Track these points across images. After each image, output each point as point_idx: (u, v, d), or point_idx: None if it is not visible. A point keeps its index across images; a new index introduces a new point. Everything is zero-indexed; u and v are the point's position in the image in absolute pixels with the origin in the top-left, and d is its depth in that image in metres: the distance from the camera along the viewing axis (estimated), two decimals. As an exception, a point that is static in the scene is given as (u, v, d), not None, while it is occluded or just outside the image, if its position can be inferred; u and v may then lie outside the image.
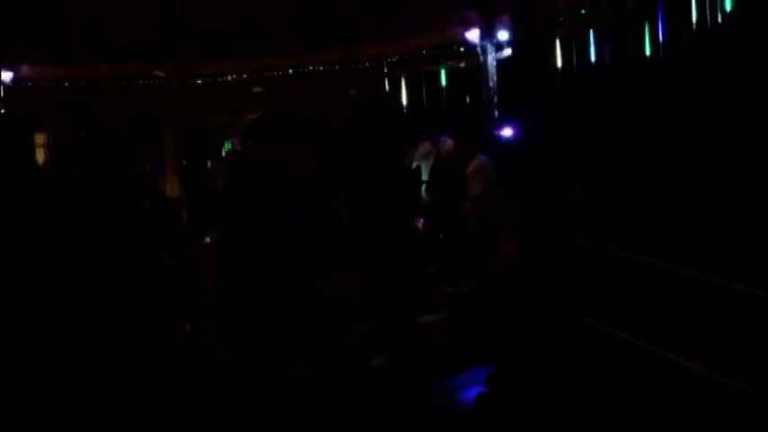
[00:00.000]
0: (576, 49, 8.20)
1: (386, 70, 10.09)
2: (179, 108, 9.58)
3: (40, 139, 9.13)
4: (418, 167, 8.06)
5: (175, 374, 4.86)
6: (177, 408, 4.38)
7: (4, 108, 8.24)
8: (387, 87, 10.73)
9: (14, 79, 8.88)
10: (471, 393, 4.53)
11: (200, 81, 9.41)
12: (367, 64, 9.86)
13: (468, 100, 9.38)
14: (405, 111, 10.58)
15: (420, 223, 8.06)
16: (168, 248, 6.48)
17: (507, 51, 8.32)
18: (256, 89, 9.83)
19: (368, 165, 6.89)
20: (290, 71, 10.04)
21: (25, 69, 8.89)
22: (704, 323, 4.16)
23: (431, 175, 8.02)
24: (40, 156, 8.33)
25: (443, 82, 9.99)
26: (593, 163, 6.72)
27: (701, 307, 4.25)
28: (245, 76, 9.76)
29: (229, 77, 9.74)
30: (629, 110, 7.11)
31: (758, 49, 6.04)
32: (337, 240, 8.94)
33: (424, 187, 7.92)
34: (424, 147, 8.24)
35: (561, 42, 7.68)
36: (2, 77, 8.46)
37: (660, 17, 7.31)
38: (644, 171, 6.65)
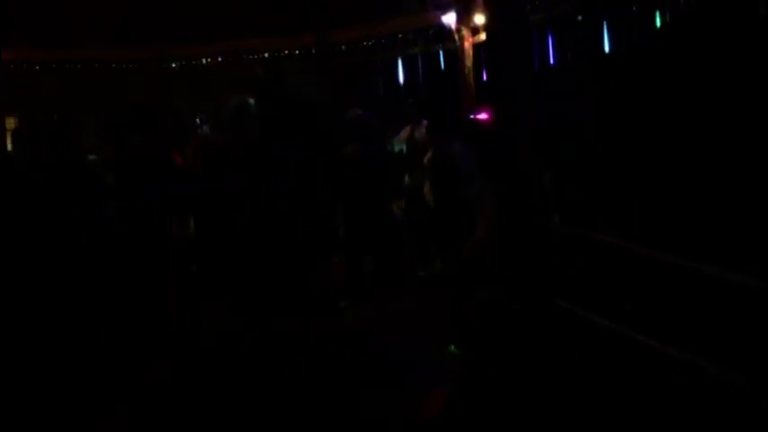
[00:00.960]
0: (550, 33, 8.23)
1: (362, 54, 10.06)
2: (154, 92, 9.48)
3: (10, 123, 9.01)
4: (400, 151, 8.08)
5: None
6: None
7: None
8: (364, 71, 10.73)
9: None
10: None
11: (174, 65, 9.32)
12: (344, 47, 9.81)
13: (444, 84, 9.39)
14: (381, 94, 10.58)
15: (399, 207, 8.08)
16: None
17: (483, 36, 8.33)
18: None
19: (344, 148, 6.94)
20: (266, 54, 9.97)
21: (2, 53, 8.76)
22: (676, 303, 4.22)
23: (406, 159, 8.04)
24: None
25: (420, 66, 10.00)
26: (566, 147, 6.77)
27: (671, 287, 4.31)
28: (220, 59, 9.69)
29: (204, 61, 9.66)
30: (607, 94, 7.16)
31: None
32: (318, 228, 8.92)
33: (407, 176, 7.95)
34: (405, 131, 8.25)
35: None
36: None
37: None
38: (620, 155, 6.71)
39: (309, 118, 5.19)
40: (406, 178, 8.08)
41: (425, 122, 8.27)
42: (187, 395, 4.46)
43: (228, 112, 5.62)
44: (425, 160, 6.97)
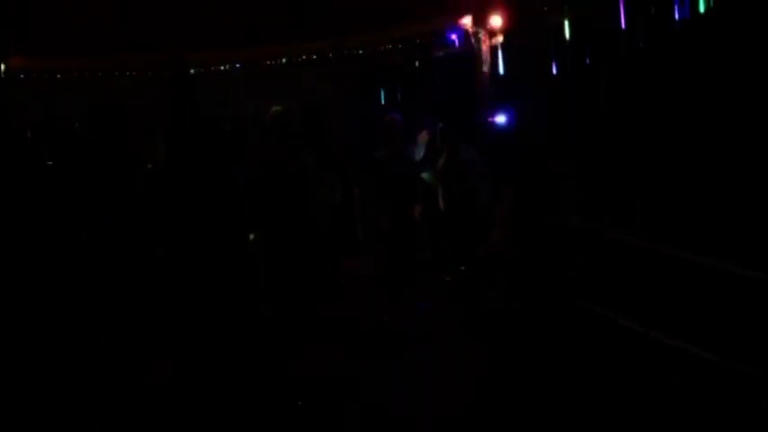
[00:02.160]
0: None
1: (379, 58, 10.05)
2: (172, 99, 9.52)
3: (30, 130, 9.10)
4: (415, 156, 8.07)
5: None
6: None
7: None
8: (381, 75, 10.71)
9: (5, 71, 8.84)
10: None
11: (192, 71, 9.35)
12: (360, 52, 9.80)
13: (461, 87, 9.34)
14: (400, 99, 10.55)
15: (418, 212, 8.07)
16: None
17: (500, 38, 8.27)
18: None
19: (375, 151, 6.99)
20: (284, 60, 9.99)
21: (15, 61, 8.86)
22: (693, 304, 4.15)
23: (424, 163, 8.02)
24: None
25: (437, 69, 9.96)
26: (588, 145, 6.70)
27: (696, 290, 4.24)
28: (237, 65, 9.71)
29: (222, 67, 9.68)
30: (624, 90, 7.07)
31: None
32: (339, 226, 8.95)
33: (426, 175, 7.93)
34: (423, 136, 8.23)
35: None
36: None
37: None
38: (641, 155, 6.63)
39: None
40: (430, 181, 8.06)
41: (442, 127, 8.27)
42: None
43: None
44: (439, 164, 6.97)
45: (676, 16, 6.85)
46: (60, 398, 3.92)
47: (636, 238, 4.37)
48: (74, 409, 3.94)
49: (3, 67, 8.82)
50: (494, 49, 8.46)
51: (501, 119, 7.78)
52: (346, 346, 5.31)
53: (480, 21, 8.44)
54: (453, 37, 8.97)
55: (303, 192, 5.57)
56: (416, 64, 10.11)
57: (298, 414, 4.24)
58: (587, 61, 7.65)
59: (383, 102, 9.93)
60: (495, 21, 8.20)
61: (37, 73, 9.14)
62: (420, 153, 8.10)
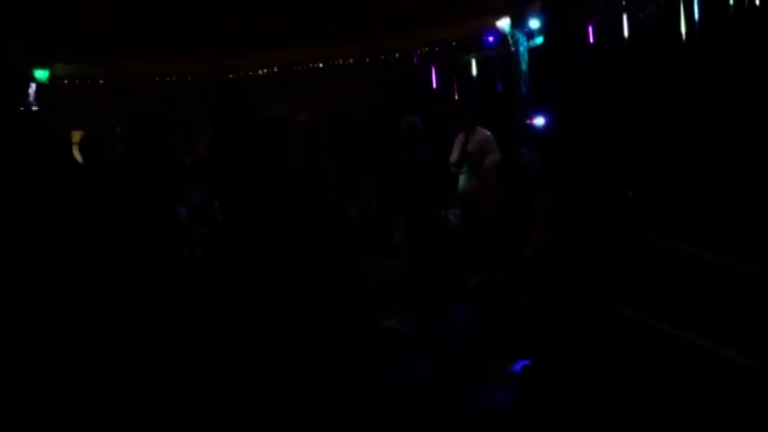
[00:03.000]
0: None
1: (416, 61, 10.04)
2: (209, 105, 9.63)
3: (76, 136, 9.27)
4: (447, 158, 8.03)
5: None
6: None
7: (38, 106, 8.39)
8: (418, 78, 10.70)
9: (51, 78, 9.04)
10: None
11: (231, 76, 9.44)
12: (397, 55, 9.80)
13: (499, 90, 9.29)
14: (435, 101, 10.52)
15: (454, 215, 8.02)
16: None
17: (539, 40, 8.20)
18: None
19: (394, 154, 6.99)
20: (321, 64, 10.03)
21: (58, 68, 9.04)
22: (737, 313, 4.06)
23: (458, 165, 7.99)
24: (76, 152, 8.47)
25: (475, 71, 9.91)
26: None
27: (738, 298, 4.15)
28: (275, 69, 9.79)
29: (260, 71, 9.76)
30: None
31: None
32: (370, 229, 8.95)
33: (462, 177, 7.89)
34: (459, 138, 8.19)
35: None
36: (36, 76, 8.64)
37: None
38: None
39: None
40: (460, 185, 8.01)
41: (480, 129, 8.22)
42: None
43: (299, 128, 5.77)
44: (487, 166, 6.90)
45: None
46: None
47: (677, 244, 4.28)
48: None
49: (47, 74, 9.01)
50: (532, 52, 8.40)
51: (540, 121, 7.71)
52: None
53: (518, 23, 8.38)
54: (491, 39, 8.91)
55: (314, 197, 5.57)
56: (453, 67, 10.07)
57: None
58: (626, 62, 7.57)
59: (419, 104, 9.91)
60: (534, 23, 8.13)
61: (80, 79, 9.32)
62: (454, 155, 8.06)
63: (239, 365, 4.59)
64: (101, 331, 4.33)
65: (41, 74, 8.81)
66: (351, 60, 10.09)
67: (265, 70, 9.92)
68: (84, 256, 3.95)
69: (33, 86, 8.55)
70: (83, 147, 5.66)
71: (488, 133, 8.18)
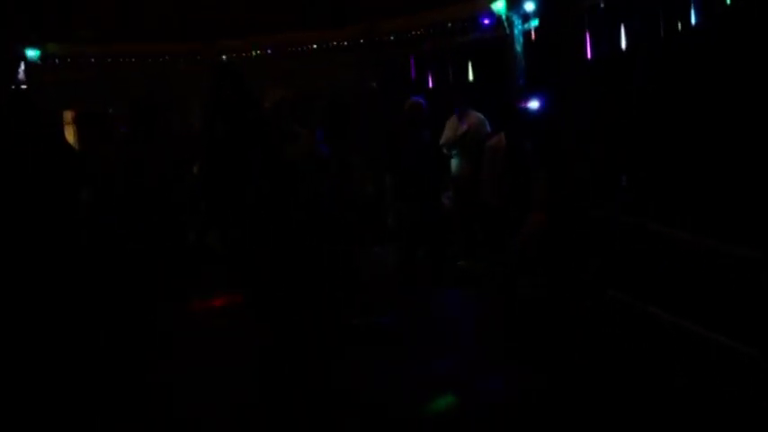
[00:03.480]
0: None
1: (410, 44, 9.99)
2: (205, 85, 9.58)
3: (67, 115, 9.22)
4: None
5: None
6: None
7: (28, 85, 8.33)
8: (412, 62, 10.65)
9: (42, 57, 8.97)
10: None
11: (224, 57, 9.38)
12: (392, 37, 9.75)
13: (493, 72, 9.26)
14: (432, 85, 10.49)
15: (447, 198, 8.03)
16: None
17: (534, 22, 8.18)
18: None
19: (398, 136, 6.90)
20: (315, 46, 9.97)
21: (52, 47, 8.97)
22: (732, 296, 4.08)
23: (450, 147, 7.98)
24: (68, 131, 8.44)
25: (469, 54, 9.88)
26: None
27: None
28: (269, 51, 9.72)
29: (254, 53, 9.69)
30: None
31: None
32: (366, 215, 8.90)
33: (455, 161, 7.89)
34: (452, 120, 8.18)
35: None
36: (28, 55, 8.57)
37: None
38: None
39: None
40: (453, 168, 8.01)
41: (473, 112, 8.21)
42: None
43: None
44: (491, 149, 6.83)
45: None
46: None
47: (680, 230, 4.29)
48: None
49: (39, 52, 8.94)
50: (527, 34, 8.37)
51: (534, 104, 7.70)
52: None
53: (514, 5, 8.35)
54: (486, 22, 8.87)
55: (299, 179, 5.47)
56: (448, 49, 10.03)
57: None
58: (622, 46, 7.53)
59: (414, 88, 9.88)
60: (529, 5, 8.10)
61: (73, 59, 9.25)
62: (445, 137, 8.05)
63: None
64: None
65: (33, 53, 8.74)
66: (345, 43, 10.02)
67: (259, 52, 9.86)
68: (80, 248, 3.91)
69: (23, 66, 8.49)
70: (78, 123, 5.61)
71: (481, 116, 8.18)
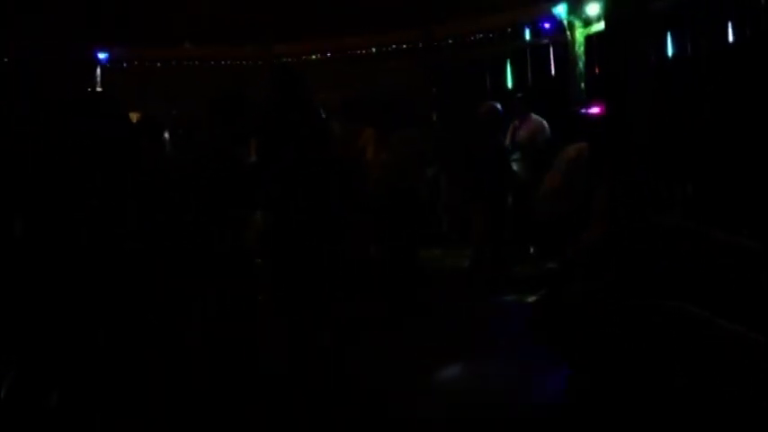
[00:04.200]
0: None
1: (469, 48, 9.95)
2: (265, 89, 9.71)
3: (134, 118, 9.44)
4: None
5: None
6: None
7: (102, 87, 8.57)
8: (471, 65, 10.60)
9: (109, 60, 9.23)
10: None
11: (282, 60, 9.49)
12: (450, 42, 9.72)
13: (555, 78, 9.15)
14: (489, 89, 10.43)
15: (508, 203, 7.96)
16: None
17: (596, 26, 8.04)
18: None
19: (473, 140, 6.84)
20: (374, 50, 10.01)
21: (117, 51, 9.21)
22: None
23: (510, 152, 7.90)
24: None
25: (529, 59, 9.78)
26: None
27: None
28: (328, 55, 9.79)
29: (314, 57, 9.78)
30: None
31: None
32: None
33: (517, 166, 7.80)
34: (514, 125, 8.11)
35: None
36: (98, 57, 8.83)
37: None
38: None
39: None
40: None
41: (533, 116, 8.11)
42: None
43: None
44: (566, 158, 6.69)
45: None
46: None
47: (743, 238, 4.16)
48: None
49: (104, 55, 9.19)
50: (589, 39, 8.25)
51: (595, 110, 7.57)
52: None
53: (575, 9, 8.23)
54: (547, 26, 8.77)
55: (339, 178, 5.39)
56: (508, 54, 9.95)
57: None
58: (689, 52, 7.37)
59: (472, 92, 9.82)
60: (592, 8, 7.97)
61: (139, 62, 9.48)
62: (507, 142, 7.98)
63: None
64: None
65: (102, 56, 9.00)
66: (404, 46, 10.03)
67: (319, 56, 9.95)
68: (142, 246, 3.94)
69: (98, 69, 8.74)
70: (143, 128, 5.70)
71: (541, 121, 8.08)
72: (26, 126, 3.88)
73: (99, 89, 8.29)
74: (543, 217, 6.48)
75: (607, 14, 7.36)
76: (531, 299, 6.28)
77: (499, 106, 7.04)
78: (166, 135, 6.64)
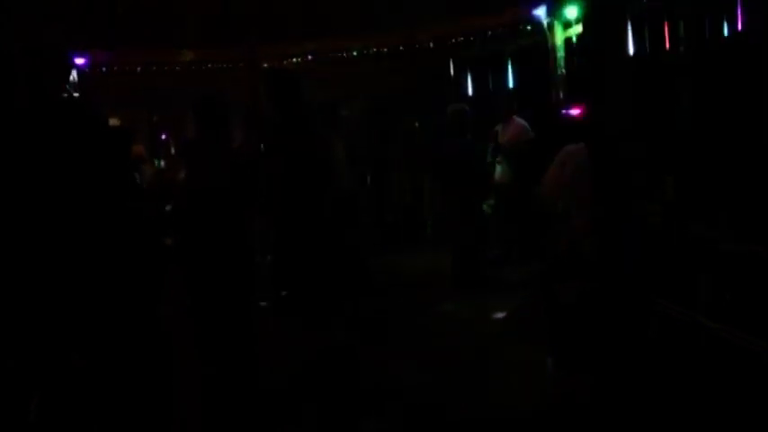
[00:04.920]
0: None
1: (450, 51, 9.99)
2: (246, 91, 9.68)
3: (114, 122, 9.37)
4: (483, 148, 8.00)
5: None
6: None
7: (79, 92, 8.49)
8: (452, 68, 10.65)
9: (89, 64, 9.14)
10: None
11: (265, 64, 9.46)
12: (431, 45, 9.75)
13: (535, 80, 9.20)
14: (471, 92, 10.48)
15: (489, 205, 8.01)
16: None
17: (575, 29, 8.11)
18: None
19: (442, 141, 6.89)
20: (355, 53, 10.01)
21: (97, 55, 9.14)
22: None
23: (493, 154, 7.96)
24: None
25: (510, 62, 9.85)
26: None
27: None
28: (309, 57, 9.78)
29: (294, 60, 9.76)
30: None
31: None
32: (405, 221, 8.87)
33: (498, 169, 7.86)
34: (497, 128, 8.17)
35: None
36: (77, 62, 8.74)
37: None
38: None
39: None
40: (496, 175, 7.98)
41: (517, 119, 8.17)
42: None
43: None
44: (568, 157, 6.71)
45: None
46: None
47: (728, 238, 4.21)
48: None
49: (84, 60, 9.11)
50: (568, 41, 8.32)
51: (575, 111, 7.64)
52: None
53: (555, 12, 8.30)
54: (527, 29, 8.83)
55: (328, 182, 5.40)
56: (488, 56, 10.01)
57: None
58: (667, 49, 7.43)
59: (454, 95, 9.87)
60: (571, 12, 8.04)
61: (119, 66, 9.41)
62: (491, 146, 8.05)
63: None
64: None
65: (80, 61, 8.91)
66: (385, 50, 10.04)
67: (300, 59, 9.92)
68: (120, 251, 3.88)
69: (74, 73, 8.66)
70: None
71: (524, 123, 8.14)
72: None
73: (75, 94, 8.21)
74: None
75: (585, 16, 7.46)
76: (519, 299, 6.33)
77: (466, 107, 7.16)
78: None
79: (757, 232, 4.55)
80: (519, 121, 8.11)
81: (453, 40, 9.67)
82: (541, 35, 8.62)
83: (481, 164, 7.32)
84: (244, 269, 4.40)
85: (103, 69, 9.22)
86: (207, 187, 4.36)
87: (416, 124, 10.57)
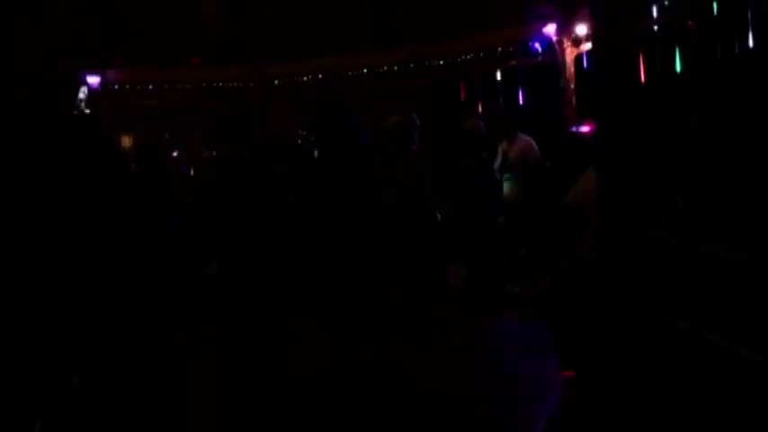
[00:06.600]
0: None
1: (460, 68, 10.01)
2: (256, 109, 9.75)
3: (126, 141, 9.46)
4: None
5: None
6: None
7: (90, 110, 8.57)
8: (462, 85, 10.66)
9: (101, 84, 9.25)
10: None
11: (276, 82, 9.54)
12: (441, 62, 9.78)
13: (544, 97, 9.20)
14: (480, 108, 10.47)
15: (500, 222, 7.96)
16: None
17: (585, 46, 8.11)
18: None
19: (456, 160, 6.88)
20: (365, 70, 10.05)
21: (109, 74, 9.24)
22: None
23: (500, 172, 7.91)
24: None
25: (519, 79, 9.85)
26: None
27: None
28: (320, 75, 9.83)
29: (305, 78, 9.82)
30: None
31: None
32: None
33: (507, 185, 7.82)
34: (503, 146, 8.13)
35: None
36: (89, 82, 8.84)
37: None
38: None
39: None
40: (504, 192, 7.94)
41: (524, 136, 8.14)
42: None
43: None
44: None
45: None
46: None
47: (730, 251, 4.16)
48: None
49: (98, 78, 9.22)
50: (579, 58, 8.30)
51: (585, 129, 7.61)
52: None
53: (565, 29, 8.30)
54: (537, 46, 8.83)
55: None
56: (498, 73, 10.01)
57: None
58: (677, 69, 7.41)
59: (463, 112, 9.87)
60: (581, 29, 8.04)
61: (131, 85, 9.51)
62: (497, 163, 8.00)
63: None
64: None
65: (93, 79, 9.02)
66: (395, 68, 10.09)
67: (310, 76, 9.98)
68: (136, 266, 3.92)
69: (85, 90, 8.75)
70: (139, 154, 5.71)
71: (530, 139, 8.11)
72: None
73: (86, 112, 8.30)
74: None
75: (595, 34, 7.44)
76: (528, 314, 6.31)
77: (482, 124, 7.10)
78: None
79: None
80: (524, 137, 8.08)
81: (463, 57, 9.69)
82: (551, 52, 8.62)
83: (495, 182, 7.30)
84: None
85: (116, 87, 9.32)
86: None
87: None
